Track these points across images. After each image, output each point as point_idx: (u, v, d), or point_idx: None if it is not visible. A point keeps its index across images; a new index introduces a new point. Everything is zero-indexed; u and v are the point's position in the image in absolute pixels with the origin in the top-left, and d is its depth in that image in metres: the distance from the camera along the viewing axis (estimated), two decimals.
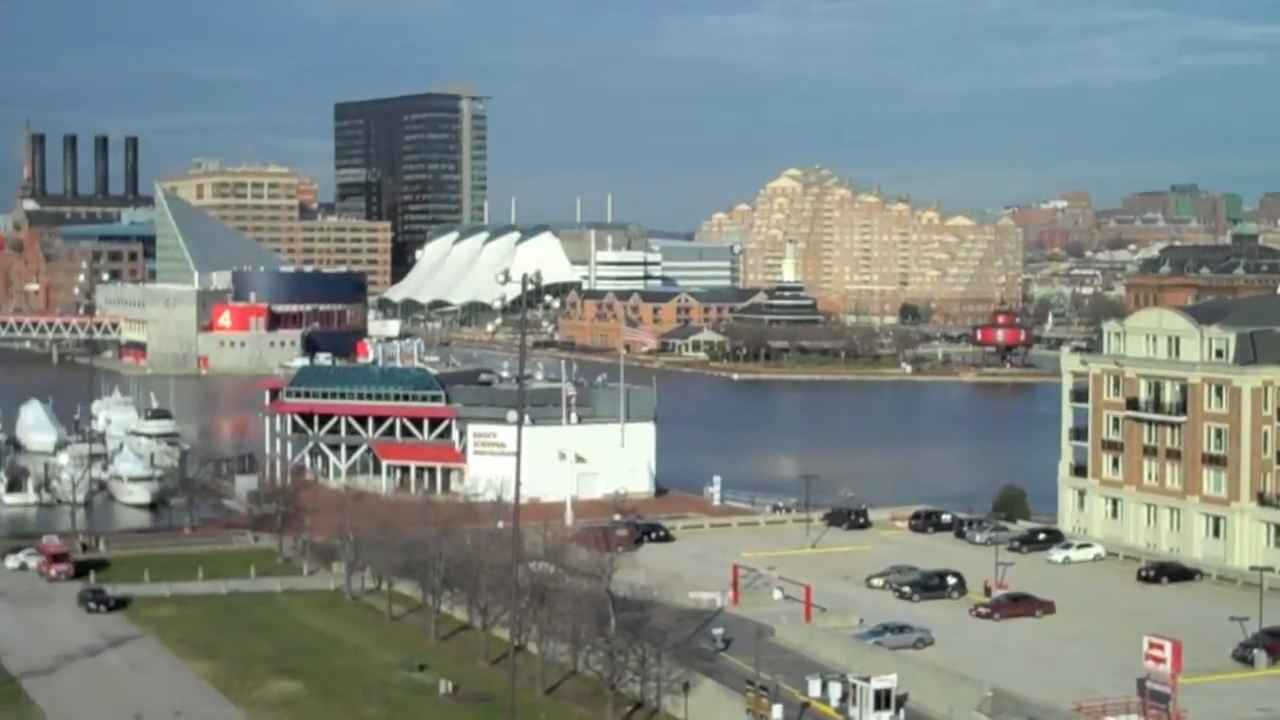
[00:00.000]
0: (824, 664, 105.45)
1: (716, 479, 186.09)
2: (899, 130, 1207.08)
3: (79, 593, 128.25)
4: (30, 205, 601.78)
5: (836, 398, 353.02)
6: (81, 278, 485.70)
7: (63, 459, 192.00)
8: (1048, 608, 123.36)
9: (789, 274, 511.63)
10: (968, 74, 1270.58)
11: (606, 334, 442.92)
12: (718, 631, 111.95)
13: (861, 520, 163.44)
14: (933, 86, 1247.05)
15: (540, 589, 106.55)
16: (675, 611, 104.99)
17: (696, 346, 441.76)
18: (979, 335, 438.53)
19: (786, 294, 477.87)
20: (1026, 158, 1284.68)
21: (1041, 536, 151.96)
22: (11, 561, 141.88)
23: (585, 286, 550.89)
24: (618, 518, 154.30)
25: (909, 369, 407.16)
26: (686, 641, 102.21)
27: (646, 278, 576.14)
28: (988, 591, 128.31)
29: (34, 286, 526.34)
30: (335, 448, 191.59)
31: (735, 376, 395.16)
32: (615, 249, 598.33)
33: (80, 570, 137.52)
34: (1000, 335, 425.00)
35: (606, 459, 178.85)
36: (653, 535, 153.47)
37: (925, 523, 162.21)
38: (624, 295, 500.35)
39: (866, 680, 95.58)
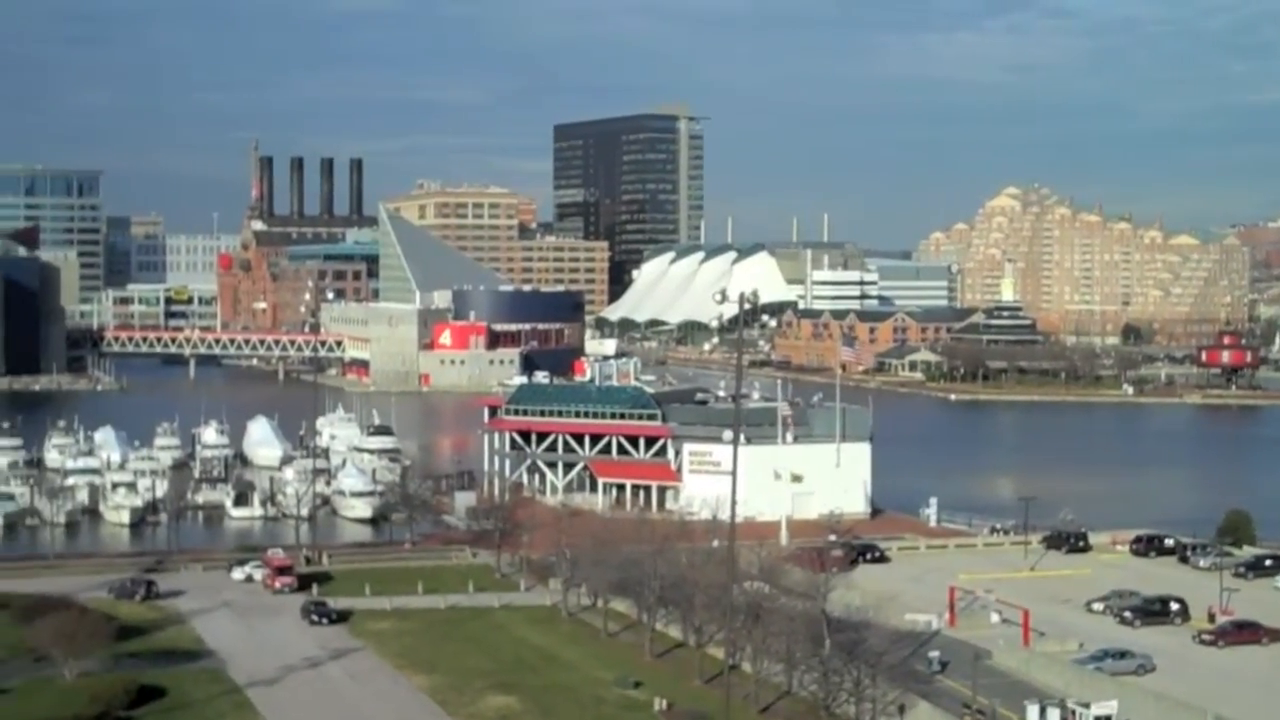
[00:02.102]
0: (1042, 689, 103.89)
1: (933, 500, 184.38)
2: (1121, 148, 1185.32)
3: (302, 605, 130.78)
4: (258, 226, 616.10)
5: (1056, 419, 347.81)
6: (307, 296, 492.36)
7: (288, 474, 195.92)
8: (1275, 636, 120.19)
9: (1008, 293, 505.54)
10: (1194, 90, 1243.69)
11: (823, 353, 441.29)
12: (934, 654, 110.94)
13: (1081, 544, 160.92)
14: (1157, 103, 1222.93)
15: (755, 608, 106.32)
16: (891, 633, 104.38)
17: (913, 366, 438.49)
18: (1204, 356, 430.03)
19: (1005, 314, 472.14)
20: (1254, 175, 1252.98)
21: (1269, 562, 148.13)
22: (238, 573, 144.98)
23: (801, 306, 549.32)
24: (833, 538, 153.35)
25: (1131, 390, 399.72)
26: (902, 663, 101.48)
27: (863, 297, 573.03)
28: (1212, 618, 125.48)
29: (261, 305, 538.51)
30: (552, 465, 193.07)
31: (952, 397, 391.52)
32: (832, 268, 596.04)
33: (303, 583, 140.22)
34: (1226, 356, 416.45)
35: (822, 479, 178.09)
36: (868, 556, 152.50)
37: (1147, 547, 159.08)
38: (840, 315, 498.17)
39: (1086, 706, 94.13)
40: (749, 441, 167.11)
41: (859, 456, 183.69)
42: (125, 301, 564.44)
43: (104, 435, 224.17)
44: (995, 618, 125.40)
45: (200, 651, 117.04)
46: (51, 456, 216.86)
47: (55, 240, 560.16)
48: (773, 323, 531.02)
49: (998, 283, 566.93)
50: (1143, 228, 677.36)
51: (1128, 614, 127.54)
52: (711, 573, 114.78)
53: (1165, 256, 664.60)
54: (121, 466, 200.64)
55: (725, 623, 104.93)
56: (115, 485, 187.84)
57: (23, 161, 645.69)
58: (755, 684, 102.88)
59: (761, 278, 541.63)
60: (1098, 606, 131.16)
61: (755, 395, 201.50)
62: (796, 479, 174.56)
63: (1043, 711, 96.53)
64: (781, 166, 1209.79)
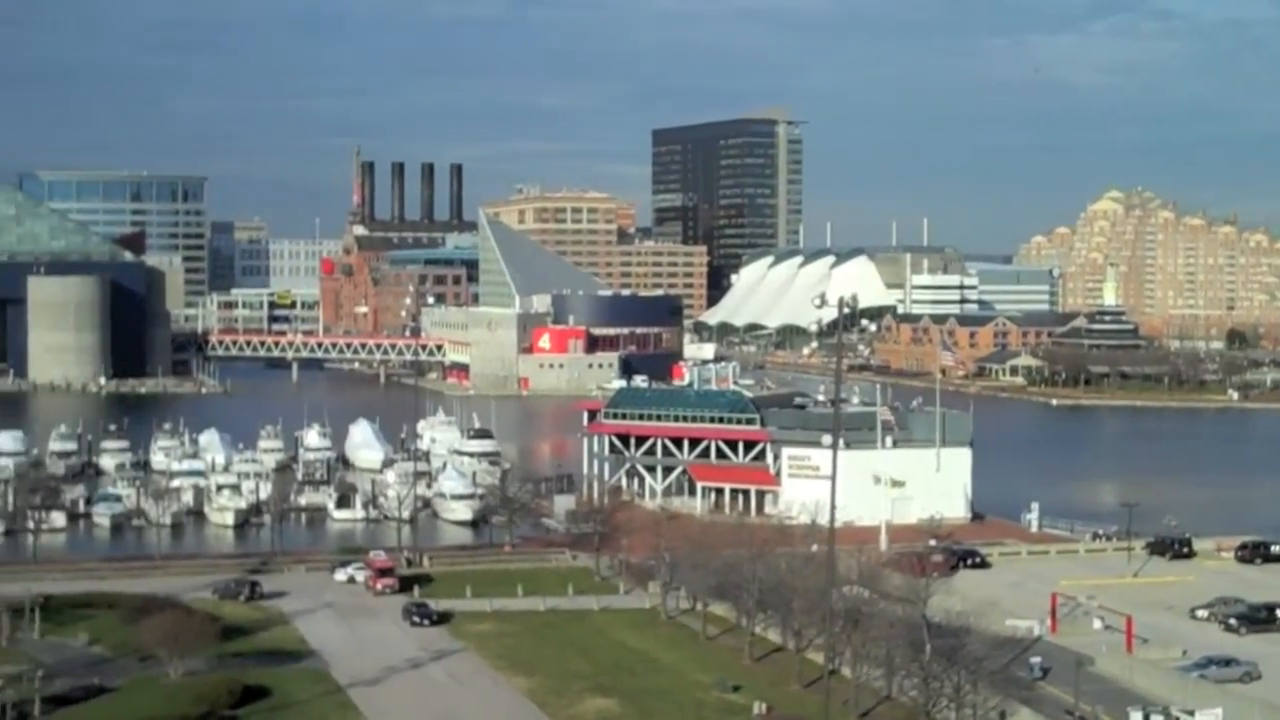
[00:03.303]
0: (1145, 696, 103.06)
1: (1034, 505, 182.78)
2: (1226, 150, 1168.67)
3: (403, 606, 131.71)
4: (359, 231, 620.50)
5: (1159, 424, 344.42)
6: (408, 301, 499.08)
7: (389, 476, 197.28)
8: None
9: (1110, 298, 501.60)
10: None
11: (922, 358, 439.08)
12: (1035, 660, 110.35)
13: (1185, 550, 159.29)
14: (1264, 105, 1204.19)
15: (854, 613, 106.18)
16: (992, 639, 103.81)
17: (1014, 371, 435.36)
18: None
19: (1107, 318, 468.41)
20: None
21: None
22: (340, 575, 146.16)
23: (901, 310, 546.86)
24: (933, 543, 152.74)
25: (1236, 395, 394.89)
26: (1003, 669, 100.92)
27: (963, 301, 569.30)
28: None
29: (363, 309, 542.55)
30: (651, 469, 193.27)
31: (1054, 402, 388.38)
32: (931, 272, 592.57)
33: (405, 585, 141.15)
34: None
35: (922, 483, 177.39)
36: (968, 561, 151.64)
37: (1253, 553, 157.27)
38: (940, 319, 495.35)
39: (1190, 714, 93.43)
40: (848, 446, 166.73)
41: (959, 461, 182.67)
42: (229, 305, 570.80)
43: (209, 438, 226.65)
44: (1098, 624, 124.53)
45: (303, 652, 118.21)
46: (157, 458, 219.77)
47: (161, 245, 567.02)
48: (872, 327, 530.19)
49: (1100, 287, 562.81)
50: (1248, 231, 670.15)
51: (1233, 621, 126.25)
52: (810, 577, 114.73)
53: (1271, 260, 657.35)
54: (226, 469, 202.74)
55: (825, 627, 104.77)
56: (220, 487, 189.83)
57: (129, 168, 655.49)
58: (855, 689, 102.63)
59: (860, 282, 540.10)
60: (1202, 613, 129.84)
61: (854, 400, 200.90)
62: (896, 484, 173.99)
63: (1146, 719, 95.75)
64: (881, 170, 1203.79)
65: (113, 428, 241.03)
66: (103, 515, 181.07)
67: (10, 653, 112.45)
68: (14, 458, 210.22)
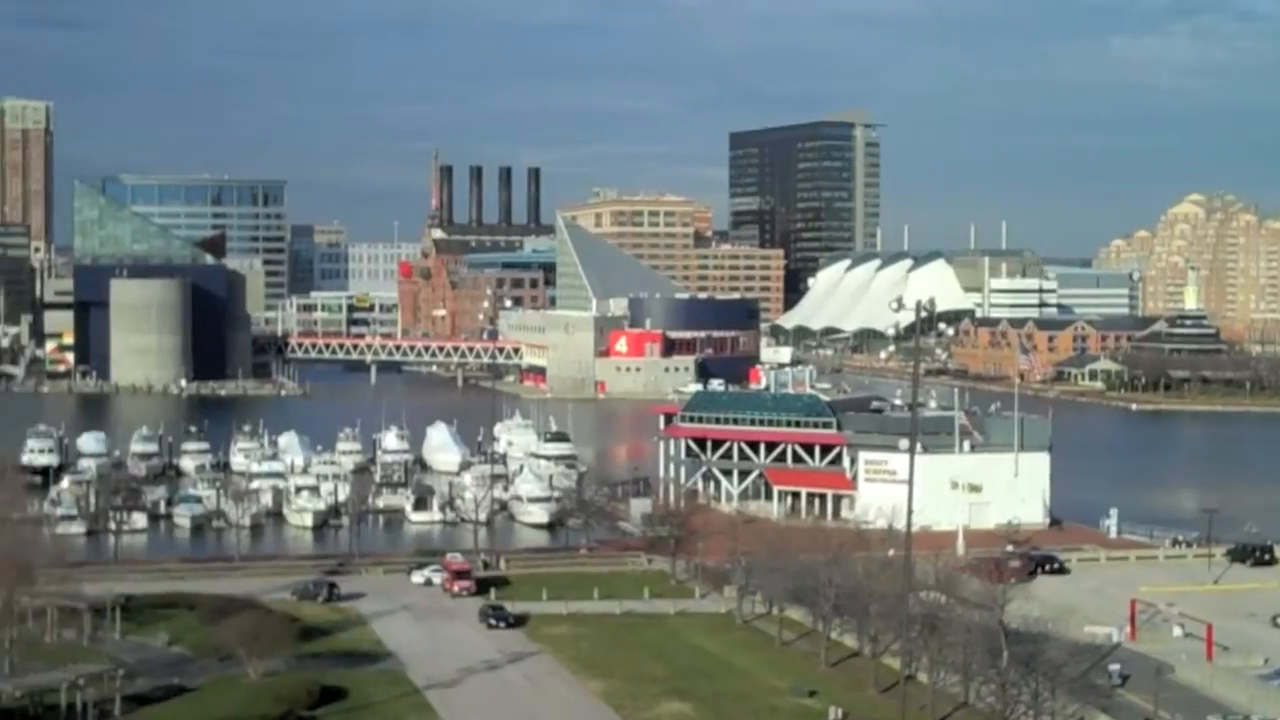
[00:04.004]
0: (1226, 704, 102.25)
1: (1113, 511, 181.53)
2: None
3: (480, 609, 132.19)
4: (438, 234, 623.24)
5: (1241, 429, 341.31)
6: (485, 304, 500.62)
7: (466, 479, 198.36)
8: None
9: (1191, 302, 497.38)
10: None
11: (1000, 362, 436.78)
12: (1114, 667, 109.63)
13: (1267, 557, 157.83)
14: None
15: (931, 618, 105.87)
16: (1070, 645, 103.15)
17: (1093, 375, 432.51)
18: None
19: (1188, 322, 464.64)
20: None
21: None
22: (417, 577, 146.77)
23: (979, 314, 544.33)
24: (1011, 548, 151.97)
25: None
26: (1082, 676, 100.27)
27: (1042, 305, 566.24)
28: None
29: (441, 312, 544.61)
30: (728, 472, 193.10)
31: (1134, 407, 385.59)
32: (1010, 276, 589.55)
33: (481, 587, 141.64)
34: None
35: (999, 488, 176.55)
36: (1047, 567, 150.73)
37: None
38: (1018, 323, 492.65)
39: None
40: (925, 450, 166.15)
41: (1038, 466, 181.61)
42: (309, 309, 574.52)
43: (288, 440, 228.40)
44: (1177, 631, 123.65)
45: (380, 653, 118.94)
46: (237, 460, 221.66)
47: (241, 248, 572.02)
48: (949, 331, 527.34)
49: (1180, 291, 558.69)
50: None
51: None
52: (887, 582, 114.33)
53: None
54: (305, 470, 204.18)
55: (901, 632, 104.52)
56: (298, 489, 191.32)
57: (210, 172, 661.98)
58: (932, 695, 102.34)
59: (938, 285, 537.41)
60: None
61: (932, 404, 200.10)
62: (974, 488, 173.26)
63: None
64: (960, 173, 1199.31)
65: (193, 429, 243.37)
66: (183, 516, 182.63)
67: (92, 652, 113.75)
68: (96, 459, 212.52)
